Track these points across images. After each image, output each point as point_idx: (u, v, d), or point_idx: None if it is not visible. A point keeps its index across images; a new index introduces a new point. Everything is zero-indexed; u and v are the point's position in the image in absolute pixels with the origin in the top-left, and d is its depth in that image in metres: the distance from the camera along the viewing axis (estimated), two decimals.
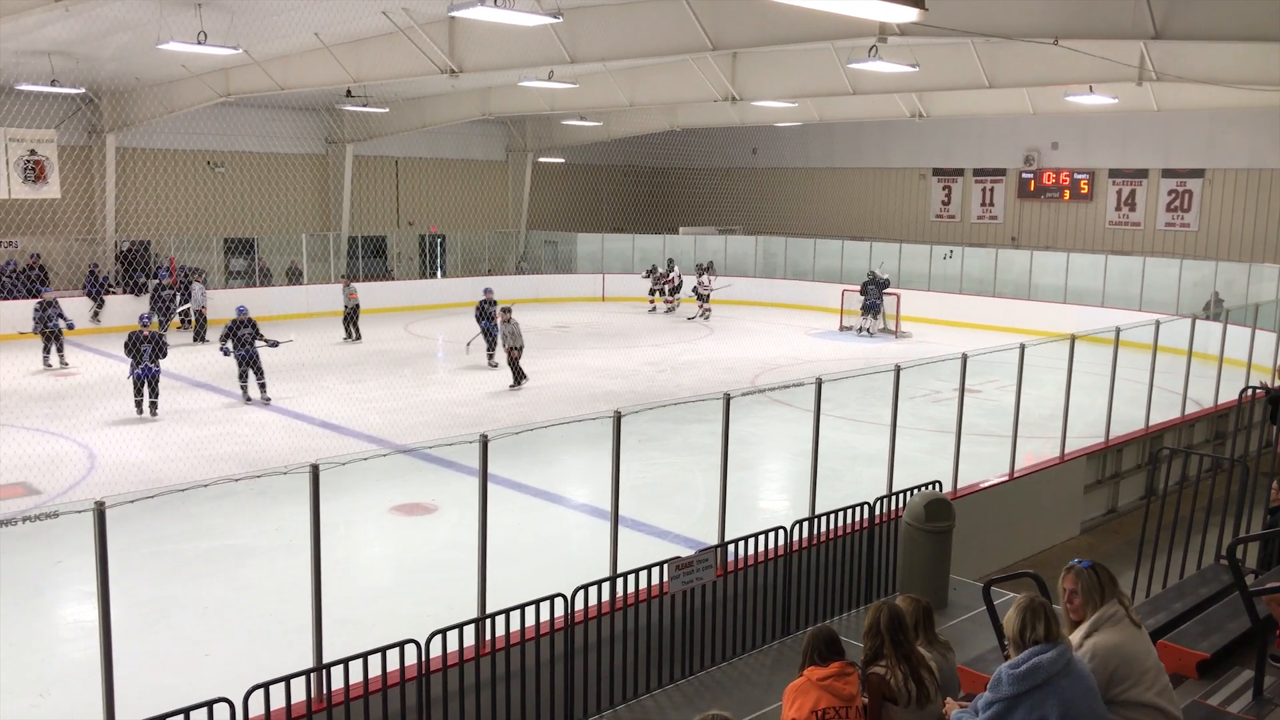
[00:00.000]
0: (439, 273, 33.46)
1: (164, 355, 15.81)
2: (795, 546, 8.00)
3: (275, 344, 16.69)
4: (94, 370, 18.95)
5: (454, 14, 12.89)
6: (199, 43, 15.57)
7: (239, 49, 17.12)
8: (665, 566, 7.07)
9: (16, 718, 6.66)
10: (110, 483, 11.70)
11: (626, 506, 7.50)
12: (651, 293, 29.59)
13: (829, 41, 17.82)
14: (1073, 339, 11.43)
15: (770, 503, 11.97)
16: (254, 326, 16.68)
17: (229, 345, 16.60)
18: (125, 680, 5.23)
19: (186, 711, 5.15)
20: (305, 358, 20.06)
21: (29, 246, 25.66)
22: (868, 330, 25.16)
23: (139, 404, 15.62)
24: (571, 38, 15.78)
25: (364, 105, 25.29)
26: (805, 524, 8.09)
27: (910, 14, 8.42)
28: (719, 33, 14.57)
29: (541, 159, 35.64)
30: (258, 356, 16.56)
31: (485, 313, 19.77)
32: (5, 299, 23.69)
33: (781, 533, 7.90)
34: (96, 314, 24.09)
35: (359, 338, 23.19)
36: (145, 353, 15.53)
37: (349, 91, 22.57)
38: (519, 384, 17.87)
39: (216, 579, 9.13)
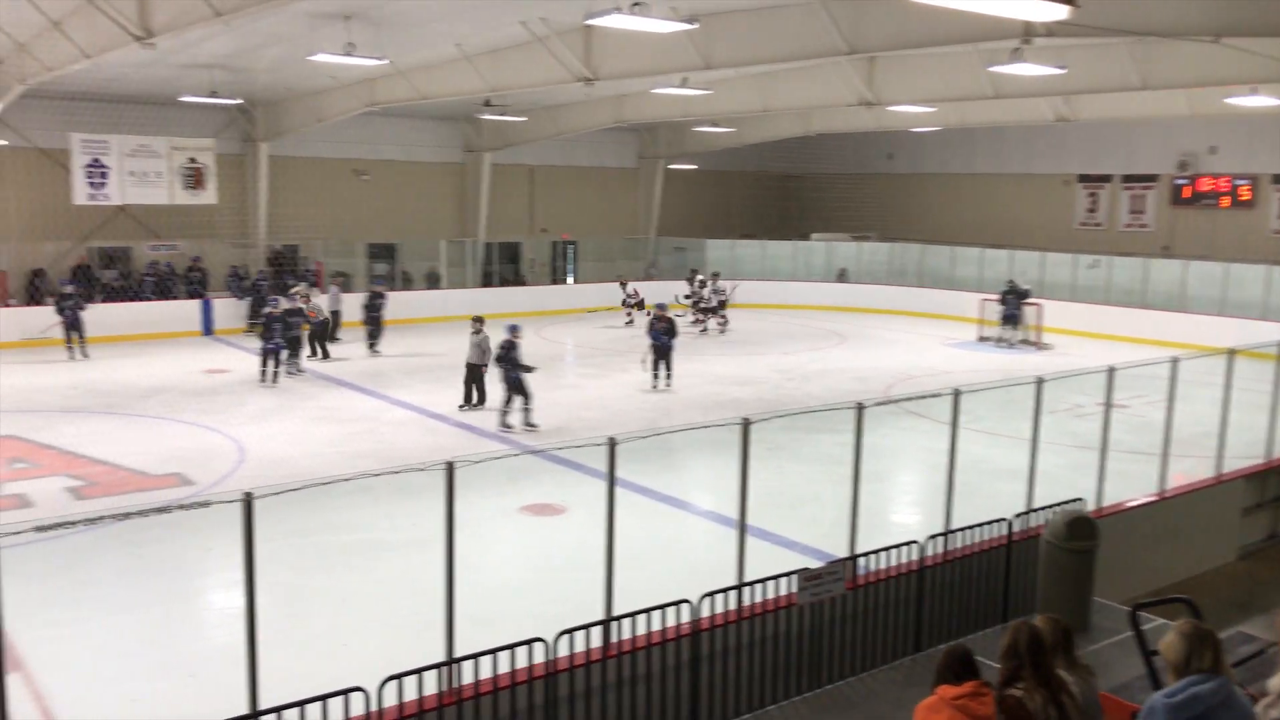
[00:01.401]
0: (569, 278, 33.90)
1: (294, 334, 19.14)
2: (929, 561, 7.78)
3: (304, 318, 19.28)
4: (246, 368, 19.91)
5: (590, 22, 13.07)
6: (347, 54, 16.18)
7: (384, 60, 17.72)
8: (793, 577, 6.96)
9: (168, 695, 7.00)
10: (257, 475, 12.23)
11: (754, 515, 7.42)
12: (690, 300, 27.75)
13: (971, 44, 17.35)
14: (1231, 353, 10.80)
15: (903, 516, 11.68)
16: (303, 314, 19.57)
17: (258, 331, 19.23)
18: (268, 665, 5.43)
19: (324, 698, 5.32)
20: (443, 360, 20.61)
21: (189, 249, 27.11)
22: (1007, 341, 24.35)
23: (263, 374, 18.36)
24: (706, 44, 15.77)
25: (501, 114, 25.86)
26: (940, 539, 7.85)
27: (1060, 12, 8.09)
28: (856, 36, 14.34)
29: (673, 165, 35.76)
30: (300, 340, 19.32)
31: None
32: (166, 299, 25.13)
33: (915, 547, 7.69)
34: (254, 314, 24.93)
35: (326, 355, 21.78)
36: (276, 330, 18.49)
37: (487, 101, 23.10)
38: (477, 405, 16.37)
39: (355, 571, 9.43)
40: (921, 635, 7.77)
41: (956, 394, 8.14)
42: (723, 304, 26.92)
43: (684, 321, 27.04)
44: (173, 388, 17.96)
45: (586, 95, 25.12)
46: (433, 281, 29.67)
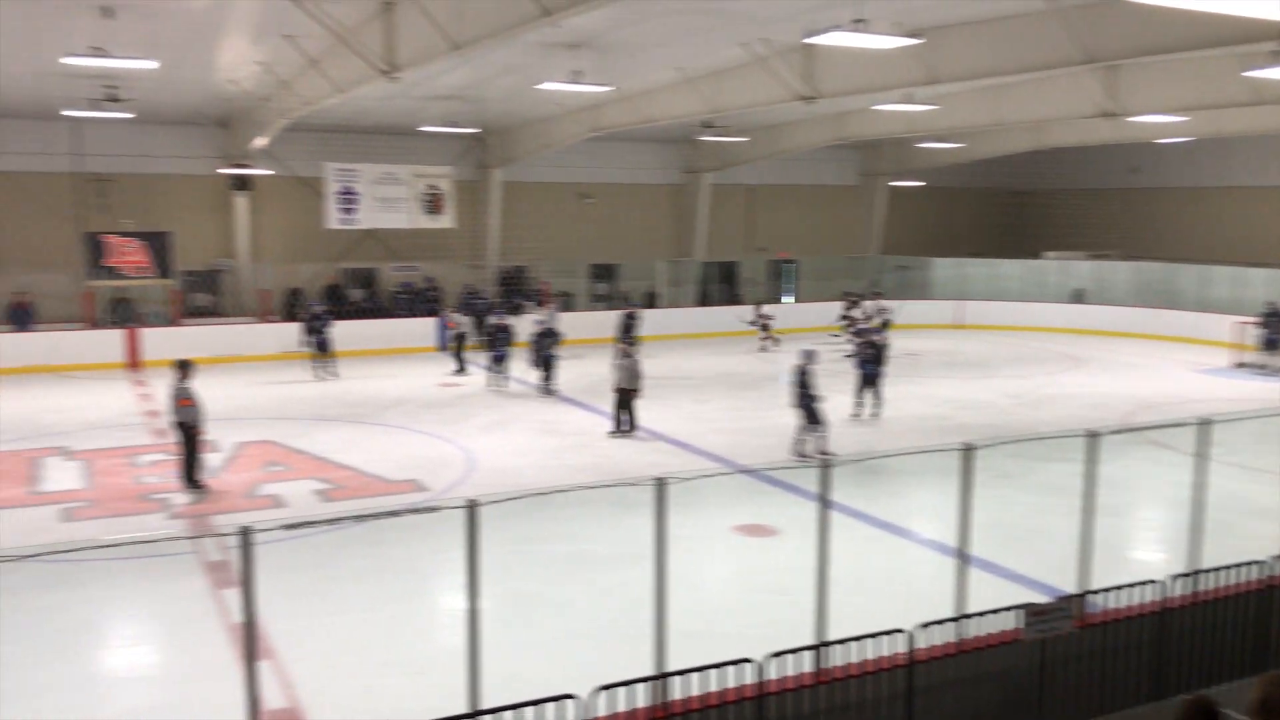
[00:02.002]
0: (789, 297, 33.70)
1: (511, 342, 20.57)
2: (1172, 603, 7.21)
3: (562, 336, 19.82)
4: (475, 382, 20.93)
5: (810, 41, 12.97)
6: (573, 82, 16.78)
7: (609, 86, 18.26)
8: (1018, 611, 6.62)
9: (398, 689, 7.41)
10: (484, 484, 12.80)
11: (977, 545, 7.11)
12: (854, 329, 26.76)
13: (1225, 48, 16.09)
14: None
15: (1142, 553, 10.91)
16: (553, 334, 19.53)
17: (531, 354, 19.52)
18: (489, 667, 5.65)
19: (539, 703, 5.48)
20: (659, 379, 20.92)
21: (427, 270, 28.82)
22: (1269, 368, 22.31)
23: (490, 377, 20.32)
24: (932, 58, 15.36)
25: (721, 135, 26.09)
26: (1185, 579, 7.27)
27: None
28: (1096, 44, 13.59)
29: (896, 183, 34.96)
30: (554, 360, 19.43)
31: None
32: (406, 316, 26.79)
33: (1156, 586, 7.15)
34: (478, 332, 26.15)
35: (462, 369, 22.57)
36: (501, 339, 20.43)
37: (707, 122, 23.38)
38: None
39: (572, 581, 9.69)
40: (1161, 682, 7.20)
41: (1206, 424, 7.53)
42: (885, 325, 25.83)
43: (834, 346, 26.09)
44: (411, 400, 19.10)
45: (807, 113, 24.98)
46: (651, 301, 30.23)
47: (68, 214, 24.96)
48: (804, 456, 14.06)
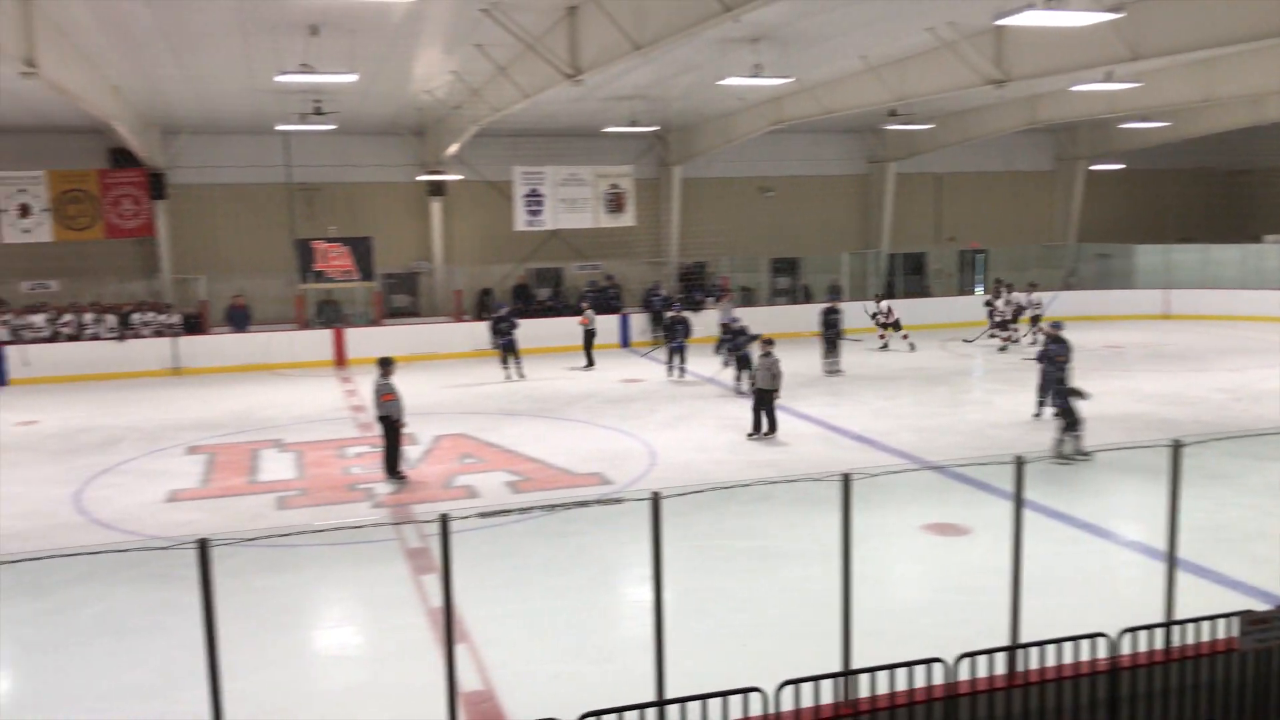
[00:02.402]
0: (978, 289, 32.52)
1: (689, 335, 21.27)
2: None
3: (758, 337, 18.33)
4: (657, 378, 21.18)
5: (1001, 22, 12.47)
6: (754, 76, 16.72)
7: (790, 78, 18.08)
8: (1234, 619, 6.18)
9: (586, 676, 7.59)
10: (666, 478, 12.94)
11: (1187, 548, 6.69)
12: (995, 320, 24.83)
13: None
14: None
15: None
16: (746, 333, 18.79)
17: (724, 352, 18.96)
18: (672, 657, 5.73)
19: (725, 695, 5.52)
20: (842, 375, 20.62)
21: (608, 269, 29.35)
22: None
23: (669, 368, 21.07)
24: (1134, 32, 14.48)
25: (906, 123, 25.43)
26: None
27: None
28: None
29: (1095, 166, 33.16)
30: (750, 358, 18.00)
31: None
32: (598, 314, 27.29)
33: None
34: (656, 328, 26.33)
35: (591, 364, 23.05)
36: (679, 331, 21.08)
37: (892, 110, 22.83)
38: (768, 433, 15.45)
39: (755, 576, 9.67)
40: None
41: None
42: (1016, 318, 24.37)
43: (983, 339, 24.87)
44: (594, 395, 19.51)
45: (998, 98, 24.02)
46: (834, 294, 29.75)
47: (280, 222, 26.75)
48: (1065, 459, 13.24)
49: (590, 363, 22.97)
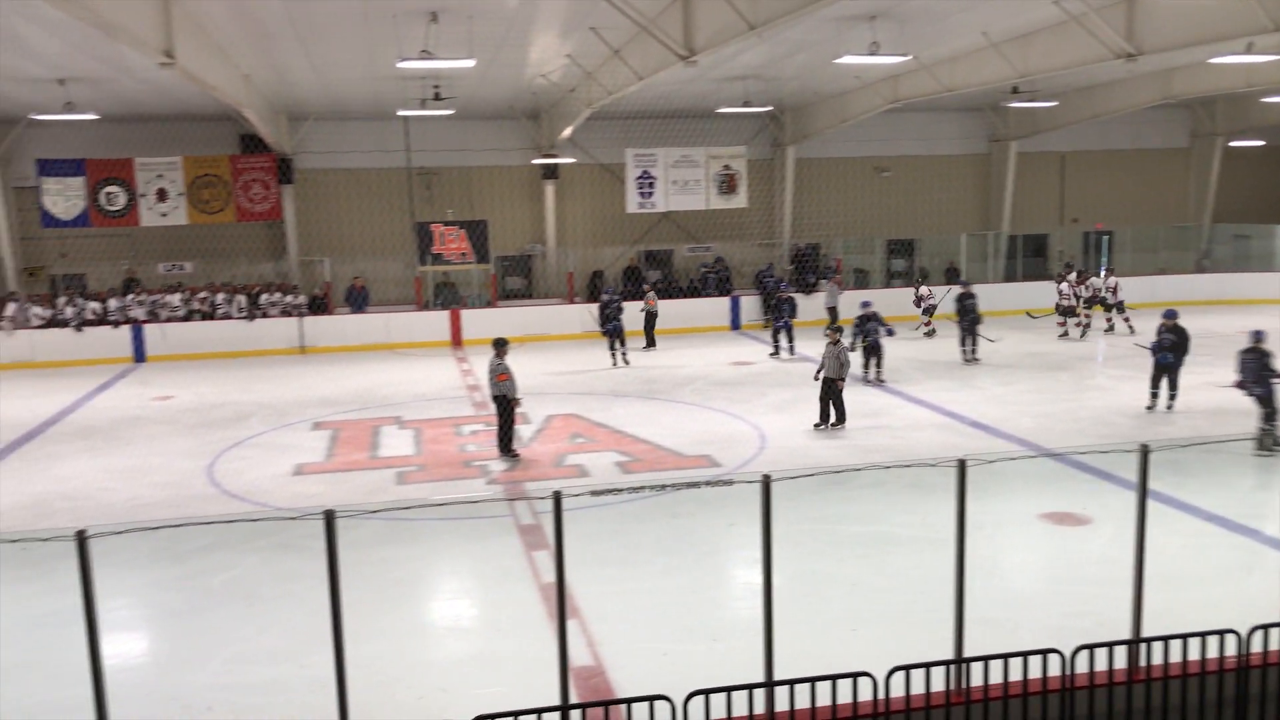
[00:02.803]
0: (1103, 272, 31.36)
1: (795, 314, 21.49)
2: None
3: (892, 332, 18.29)
4: (769, 361, 21.08)
5: None
6: (871, 54, 16.42)
7: (908, 56, 17.71)
8: None
9: (694, 656, 7.64)
10: (776, 462, 12.89)
11: None
12: (1089, 303, 23.49)
13: None
14: None
15: None
16: (878, 319, 18.01)
17: (855, 340, 17.82)
18: (781, 639, 5.73)
19: (834, 678, 5.50)
20: (960, 359, 20.17)
21: (719, 250, 29.29)
22: None
23: (776, 347, 21.44)
24: (1277, 2, 13.72)
25: (1030, 100, 24.63)
26: None
27: None
28: None
29: (1234, 143, 31.56)
30: (880, 347, 17.87)
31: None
32: (706, 296, 27.36)
33: None
34: (767, 311, 26.07)
35: (651, 344, 23.30)
36: (785, 310, 21.33)
37: (1015, 87, 22.15)
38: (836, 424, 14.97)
39: (865, 561, 9.58)
40: None
41: None
42: (1090, 303, 23.25)
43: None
44: (704, 377, 19.52)
45: (1128, 73, 23.07)
46: (951, 276, 29.09)
47: (400, 206, 27.46)
48: (1268, 450, 12.61)
49: (650, 343, 23.27)
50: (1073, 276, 23.66)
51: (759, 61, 20.27)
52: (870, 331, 17.91)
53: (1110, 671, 5.75)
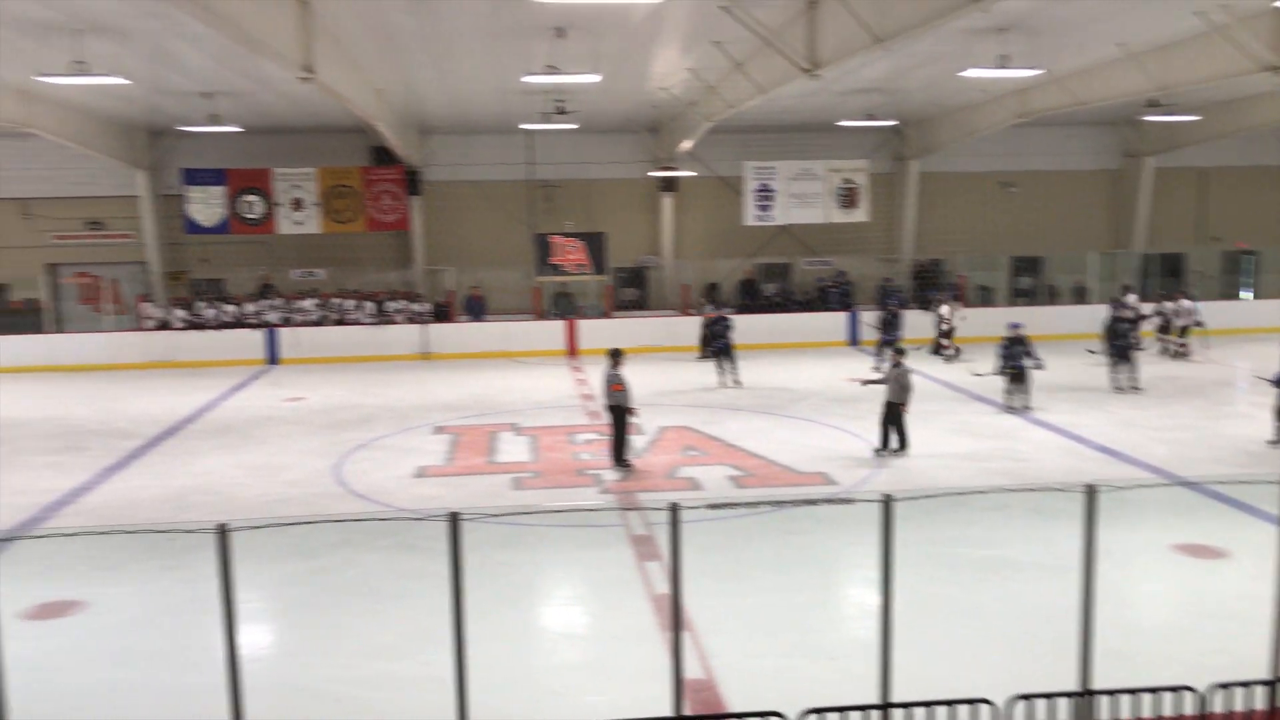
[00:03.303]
0: (1246, 293, 29.92)
1: (900, 330, 21.26)
2: None
3: (1041, 365, 17.06)
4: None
5: None
6: (1000, 67, 16.06)
7: (1040, 69, 17.26)
8: None
9: (809, 674, 7.57)
10: (894, 482, 12.67)
11: None
12: (1163, 330, 22.70)
13: None
14: None
15: None
16: (1025, 343, 17.03)
17: (1000, 365, 17.11)
18: (897, 663, 5.65)
19: (953, 703, 5.39)
20: (1086, 379, 19.51)
21: (839, 265, 28.99)
22: None
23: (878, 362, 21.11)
24: None
25: (1168, 114, 23.72)
26: None
27: None
28: None
29: None
30: (1025, 373, 16.96)
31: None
32: (821, 311, 27.11)
33: None
34: (887, 326, 25.58)
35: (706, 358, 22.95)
36: (890, 325, 21.13)
37: (1152, 101, 21.36)
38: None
39: (985, 586, 9.35)
40: None
41: None
42: (1167, 328, 22.37)
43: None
44: (819, 393, 19.33)
45: (1275, 85, 22.00)
46: (1080, 295, 28.16)
47: (521, 217, 28.00)
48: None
49: (705, 357, 23.00)
50: (1131, 299, 22.78)
51: (883, 74, 20.04)
52: (1015, 355, 17.01)
53: (1249, 712, 5.49)
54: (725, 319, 20.90)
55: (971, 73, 16.76)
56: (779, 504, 6.84)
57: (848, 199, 27.03)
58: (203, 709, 7.06)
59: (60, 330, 26.29)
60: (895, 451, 14.20)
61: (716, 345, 20.66)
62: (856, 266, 29.02)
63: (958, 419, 16.64)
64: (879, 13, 12.55)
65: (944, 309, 23.73)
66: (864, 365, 22.54)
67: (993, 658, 7.78)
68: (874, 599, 8.73)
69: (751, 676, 7.52)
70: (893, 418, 14.19)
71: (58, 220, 27.71)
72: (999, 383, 17.42)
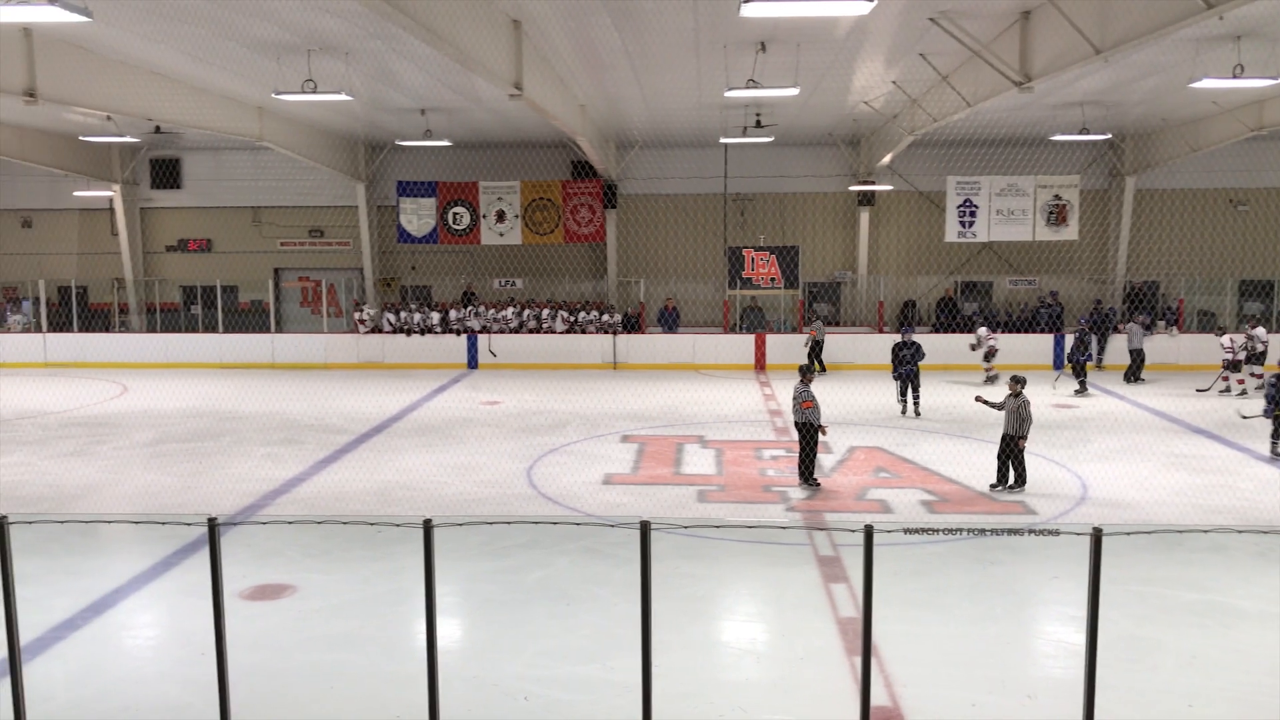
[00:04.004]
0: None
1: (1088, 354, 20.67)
2: None
3: None
4: (1092, 405, 19.64)
5: None
6: (1235, 76, 14.98)
7: (1277, 79, 15.99)
8: None
9: (1005, 710, 7.22)
10: (1099, 515, 11.95)
11: None
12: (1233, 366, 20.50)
13: None
14: None
15: None
16: None
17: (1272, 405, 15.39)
18: (1102, 706, 5.30)
19: None
20: None
21: (1045, 285, 27.70)
22: None
23: (1081, 386, 20.75)
24: None
25: None
26: None
27: None
28: None
29: None
30: None
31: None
32: (1028, 332, 25.93)
33: None
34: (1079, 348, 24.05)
35: (821, 370, 23.95)
36: (1080, 347, 20.66)
37: None
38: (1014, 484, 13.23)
39: (1202, 632, 8.68)
40: None
41: None
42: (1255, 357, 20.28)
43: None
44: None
45: None
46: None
47: (714, 230, 28.14)
48: None
49: (821, 369, 23.98)
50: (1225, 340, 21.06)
51: (1101, 86, 19.03)
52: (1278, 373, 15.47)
53: None
54: (914, 344, 19.27)
55: (1202, 84, 15.66)
56: (981, 532, 6.53)
57: (1057, 216, 25.78)
58: (399, 695, 7.39)
59: (281, 331, 28.21)
60: (1011, 488, 13.19)
61: (902, 371, 19.10)
62: (1063, 287, 27.66)
63: (1172, 451, 15.58)
64: (1100, 22, 11.93)
65: (982, 330, 22.95)
66: (1071, 390, 21.44)
67: (1213, 709, 7.22)
68: (1076, 637, 8.28)
69: (943, 709, 7.24)
70: (1010, 450, 13.20)
71: (283, 228, 29.83)
72: (1255, 423, 16.19)
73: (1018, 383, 13.30)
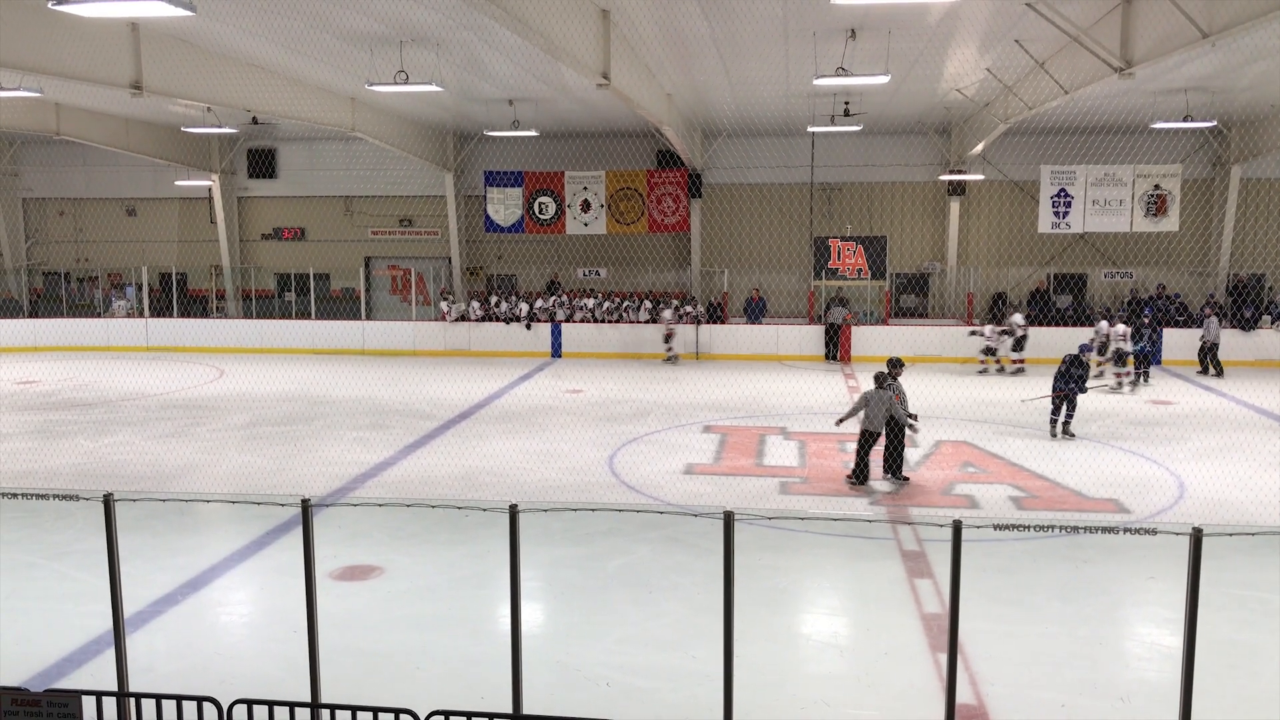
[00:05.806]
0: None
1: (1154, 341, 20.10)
2: None
3: None
4: (1191, 401, 19.01)
5: None
6: None
7: None
8: None
9: (1096, 713, 7.04)
10: (1196, 514, 11.56)
11: None
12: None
13: None
14: None
15: None
16: None
17: None
18: (1199, 712, 5.14)
19: None
20: None
21: (1144, 277, 26.84)
22: None
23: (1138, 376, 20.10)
24: None
25: None
26: None
27: None
28: None
29: None
30: None
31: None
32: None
33: None
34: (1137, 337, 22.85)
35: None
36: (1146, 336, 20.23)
37: None
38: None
39: None
40: None
41: None
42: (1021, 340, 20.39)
43: None
44: (1113, 414, 17.98)
45: None
46: None
47: (799, 220, 27.87)
48: None
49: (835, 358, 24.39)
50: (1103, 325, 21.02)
51: (1206, 71, 18.34)
52: None
53: None
54: (1081, 362, 16.42)
55: None
56: (1075, 530, 6.35)
57: (1156, 206, 24.93)
58: (484, 677, 7.50)
59: (371, 318, 28.80)
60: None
61: (1063, 388, 16.28)
62: (1162, 280, 26.77)
63: (1277, 450, 14.99)
64: (1208, 4, 11.48)
65: (1017, 316, 23.11)
66: (1169, 387, 20.78)
67: None
68: (1170, 640, 8.04)
69: (1030, 709, 7.09)
70: (871, 443, 13.15)
71: (374, 217, 30.43)
72: None
73: (895, 366, 13.45)
